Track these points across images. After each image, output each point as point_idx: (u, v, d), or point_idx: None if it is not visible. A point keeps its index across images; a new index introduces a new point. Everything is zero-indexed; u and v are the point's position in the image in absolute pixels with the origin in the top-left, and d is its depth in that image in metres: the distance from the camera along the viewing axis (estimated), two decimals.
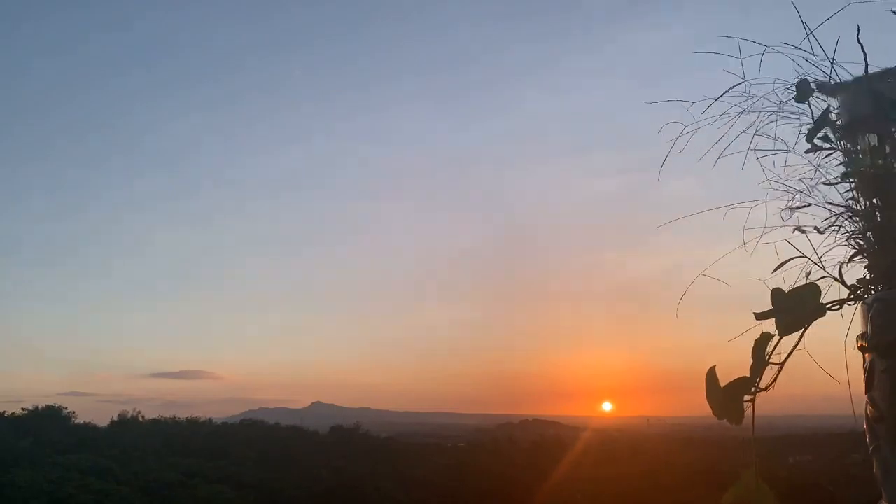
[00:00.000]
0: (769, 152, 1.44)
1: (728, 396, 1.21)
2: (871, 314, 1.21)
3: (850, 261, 1.33)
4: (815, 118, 1.38)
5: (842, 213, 1.37)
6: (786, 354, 1.23)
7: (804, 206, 1.41)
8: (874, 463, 1.22)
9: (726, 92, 1.43)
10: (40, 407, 32.59)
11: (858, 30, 1.31)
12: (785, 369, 1.23)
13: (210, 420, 39.65)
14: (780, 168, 1.43)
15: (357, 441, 36.06)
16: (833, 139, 1.38)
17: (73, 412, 33.61)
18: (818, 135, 1.38)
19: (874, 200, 1.32)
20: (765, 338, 1.23)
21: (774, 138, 1.43)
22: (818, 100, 1.37)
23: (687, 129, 1.47)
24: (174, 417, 37.78)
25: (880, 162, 1.30)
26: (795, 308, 1.22)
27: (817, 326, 1.24)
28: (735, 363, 1.24)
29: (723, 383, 1.22)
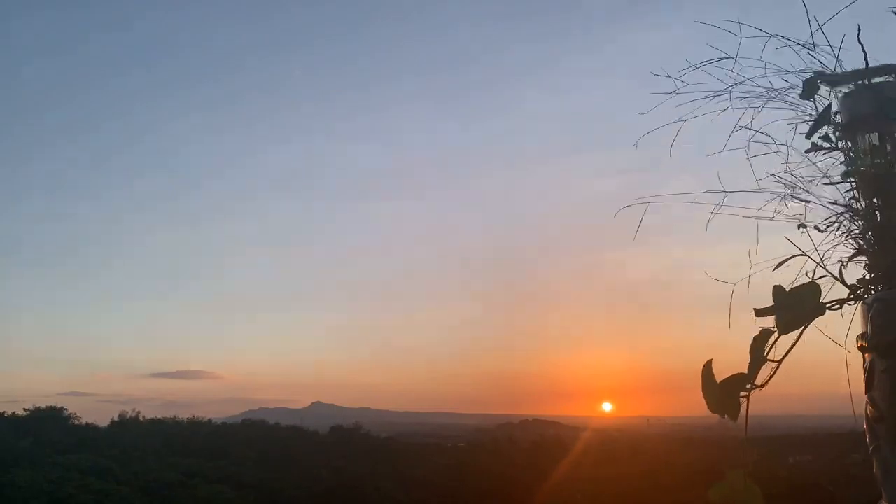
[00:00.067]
0: (770, 151, 1.44)
1: (725, 392, 1.21)
2: (871, 314, 1.21)
3: (850, 260, 1.33)
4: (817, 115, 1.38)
5: (842, 212, 1.37)
6: (784, 352, 1.23)
7: (805, 202, 1.41)
8: (874, 463, 1.22)
9: (726, 90, 1.43)
10: (40, 407, 32.69)
11: (859, 30, 1.31)
12: (785, 369, 1.23)
13: (210, 420, 39.75)
14: (781, 167, 1.44)
15: (357, 441, 36.06)
16: (833, 138, 1.38)
17: (74, 412, 33.74)
18: (818, 134, 1.38)
19: (874, 200, 1.32)
20: (764, 335, 1.23)
21: (775, 138, 1.44)
22: (821, 98, 1.38)
23: (687, 130, 1.47)
24: (174, 417, 37.88)
25: (880, 161, 1.30)
26: (795, 306, 1.22)
27: (817, 326, 1.24)
28: (734, 362, 1.24)
29: (719, 379, 1.22)
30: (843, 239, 1.36)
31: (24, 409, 32.44)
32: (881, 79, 1.32)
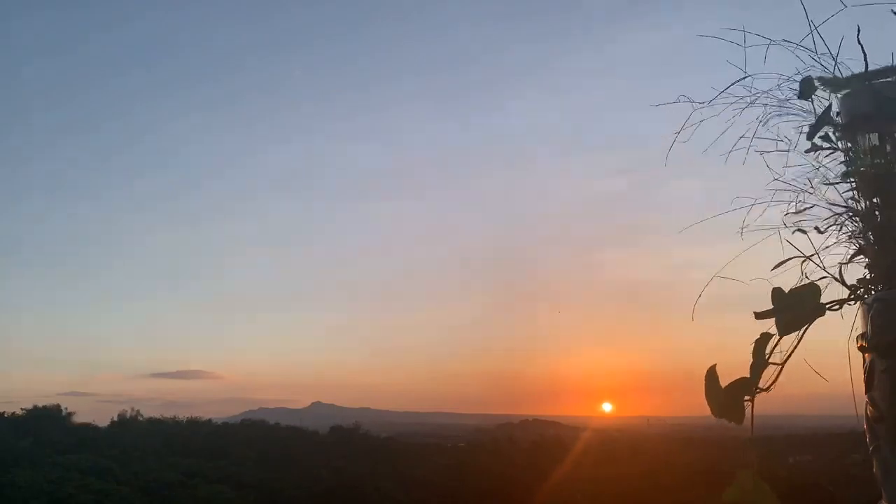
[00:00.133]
0: (770, 151, 1.44)
1: (729, 397, 1.21)
2: (871, 314, 1.21)
3: (850, 261, 1.33)
4: (816, 116, 1.38)
5: (842, 212, 1.37)
6: (786, 354, 1.23)
7: (806, 208, 1.41)
8: (874, 463, 1.22)
9: (727, 89, 1.43)
10: (40, 407, 32.69)
11: (859, 30, 1.31)
12: (785, 369, 1.23)
13: (210, 420, 39.72)
14: (781, 167, 1.44)
15: (357, 441, 36.07)
16: (833, 139, 1.38)
17: (74, 412, 33.74)
18: (818, 134, 1.38)
19: (874, 200, 1.32)
20: (765, 338, 1.23)
21: (775, 138, 1.44)
22: (820, 99, 1.38)
23: (687, 129, 1.47)
24: (174, 417, 37.86)
25: (880, 161, 1.30)
26: (795, 307, 1.23)
27: (817, 327, 1.24)
28: (735, 364, 1.24)
29: (723, 383, 1.22)
30: (844, 239, 1.36)
31: (24, 409, 32.50)
32: (882, 80, 1.32)
